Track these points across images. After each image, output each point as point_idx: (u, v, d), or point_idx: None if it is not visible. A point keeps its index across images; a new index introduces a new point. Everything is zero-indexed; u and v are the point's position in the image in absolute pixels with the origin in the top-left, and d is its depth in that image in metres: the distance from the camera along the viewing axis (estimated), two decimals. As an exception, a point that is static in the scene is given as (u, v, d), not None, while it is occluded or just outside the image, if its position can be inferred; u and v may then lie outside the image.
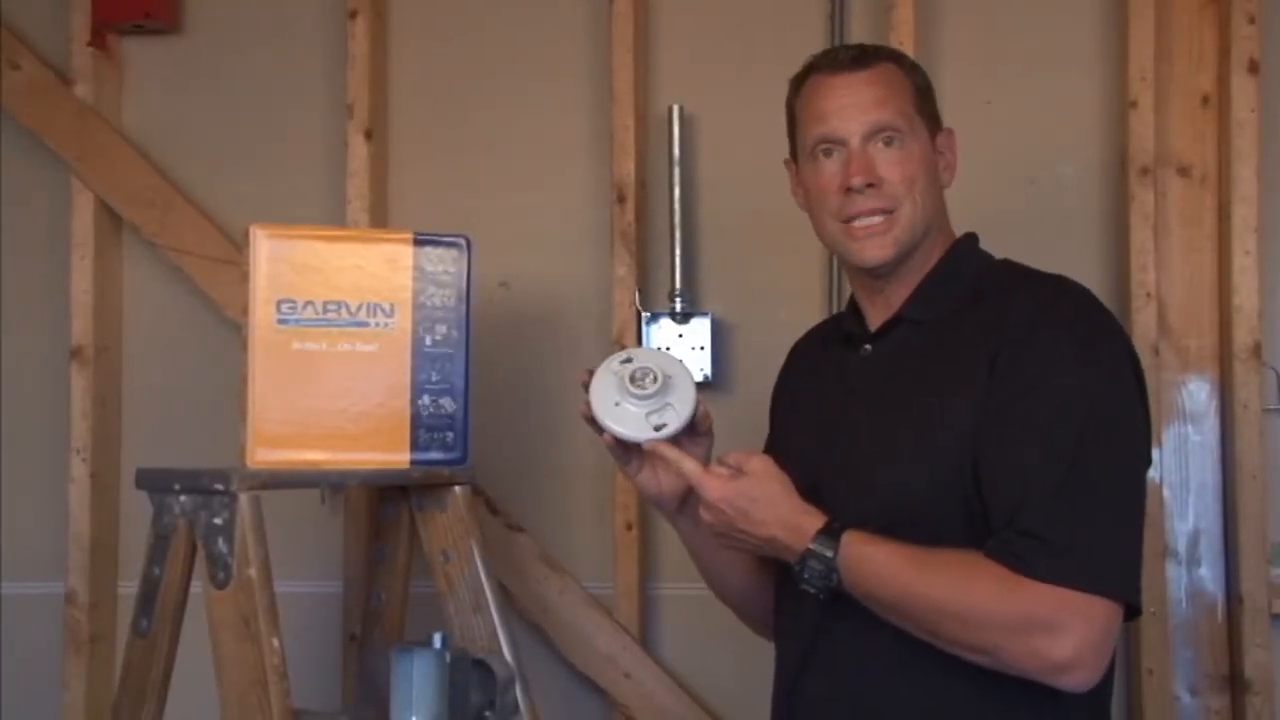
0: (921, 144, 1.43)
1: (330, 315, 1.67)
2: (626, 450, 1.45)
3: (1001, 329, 1.36)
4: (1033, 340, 1.34)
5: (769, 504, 1.35)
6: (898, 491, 1.38)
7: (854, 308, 1.53)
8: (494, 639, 1.72)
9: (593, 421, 1.44)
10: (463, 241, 1.73)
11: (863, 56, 1.44)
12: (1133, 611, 1.31)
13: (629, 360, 1.43)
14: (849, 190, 1.42)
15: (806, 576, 1.34)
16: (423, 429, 1.70)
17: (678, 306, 2.19)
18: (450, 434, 1.71)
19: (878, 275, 1.47)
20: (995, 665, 1.29)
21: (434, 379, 1.71)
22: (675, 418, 1.41)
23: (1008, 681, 1.29)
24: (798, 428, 1.57)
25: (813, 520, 1.35)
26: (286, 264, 1.66)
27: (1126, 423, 1.34)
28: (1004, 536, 1.29)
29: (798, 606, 1.42)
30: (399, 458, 1.70)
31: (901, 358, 1.45)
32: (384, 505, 1.85)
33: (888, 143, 1.41)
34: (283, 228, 1.68)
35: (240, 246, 1.71)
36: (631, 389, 1.41)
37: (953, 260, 1.48)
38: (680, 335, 2.18)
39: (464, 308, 1.73)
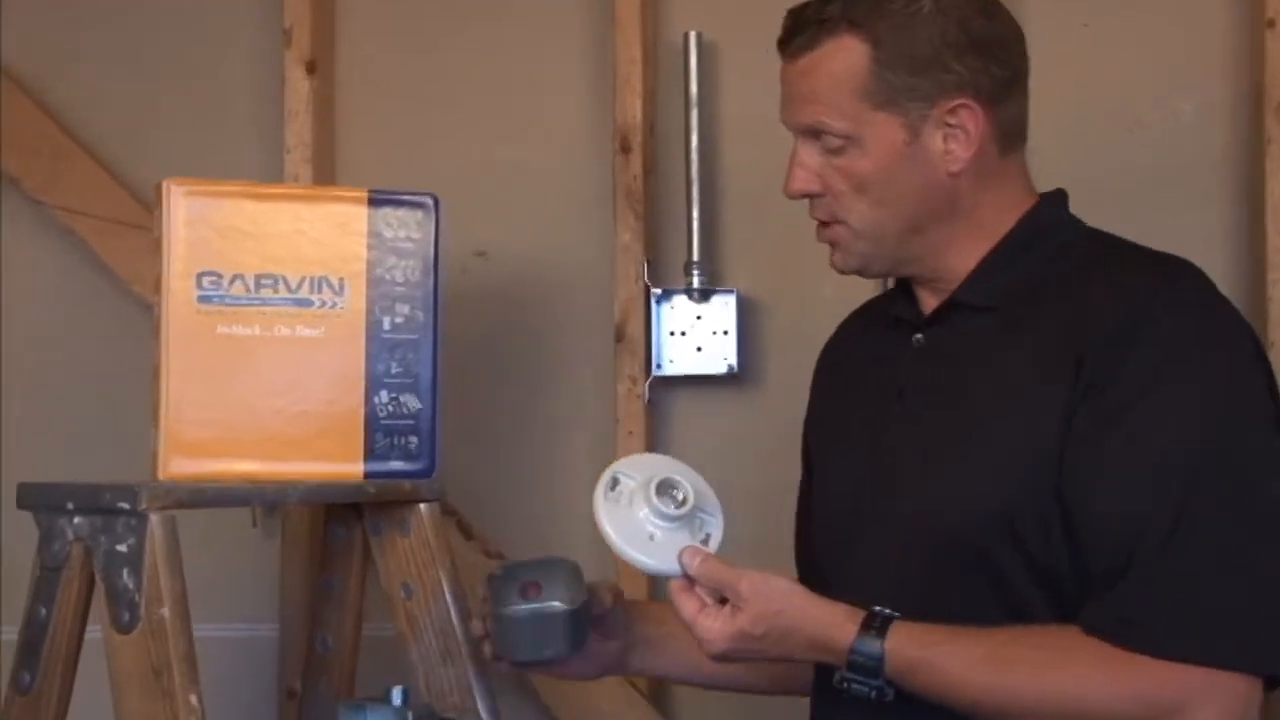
0: (884, 140, 1.44)
1: (264, 292, 1.68)
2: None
3: (1089, 327, 1.37)
4: (1129, 346, 1.35)
5: (783, 632, 1.39)
6: (949, 525, 1.40)
7: (906, 285, 1.56)
8: (467, 694, 1.72)
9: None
10: (429, 201, 1.74)
11: (804, 33, 1.46)
12: (1276, 681, 1.33)
13: (620, 479, 1.48)
14: None
15: (853, 694, 1.38)
16: (380, 433, 1.71)
17: (695, 281, 2.20)
18: (414, 439, 1.72)
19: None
20: None
21: (394, 371, 1.72)
22: (716, 524, 1.49)
23: None
24: (836, 432, 1.60)
25: (843, 630, 1.37)
26: (209, 228, 1.66)
27: (1256, 448, 1.34)
28: (1106, 603, 1.31)
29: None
30: (350, 468, 1.71)
31: (959, 352, 1.47)
32: (331, 527, 1.86)
33: (827, 147, 1.46)
34: (204, 183, 1.68)
35: (150, 206, 1.70)
36: (665, 509, 1.45)
37: (1025, 230, 1.48)
38: (699, 317, 2.20)
39: (431, 283, 1.73)
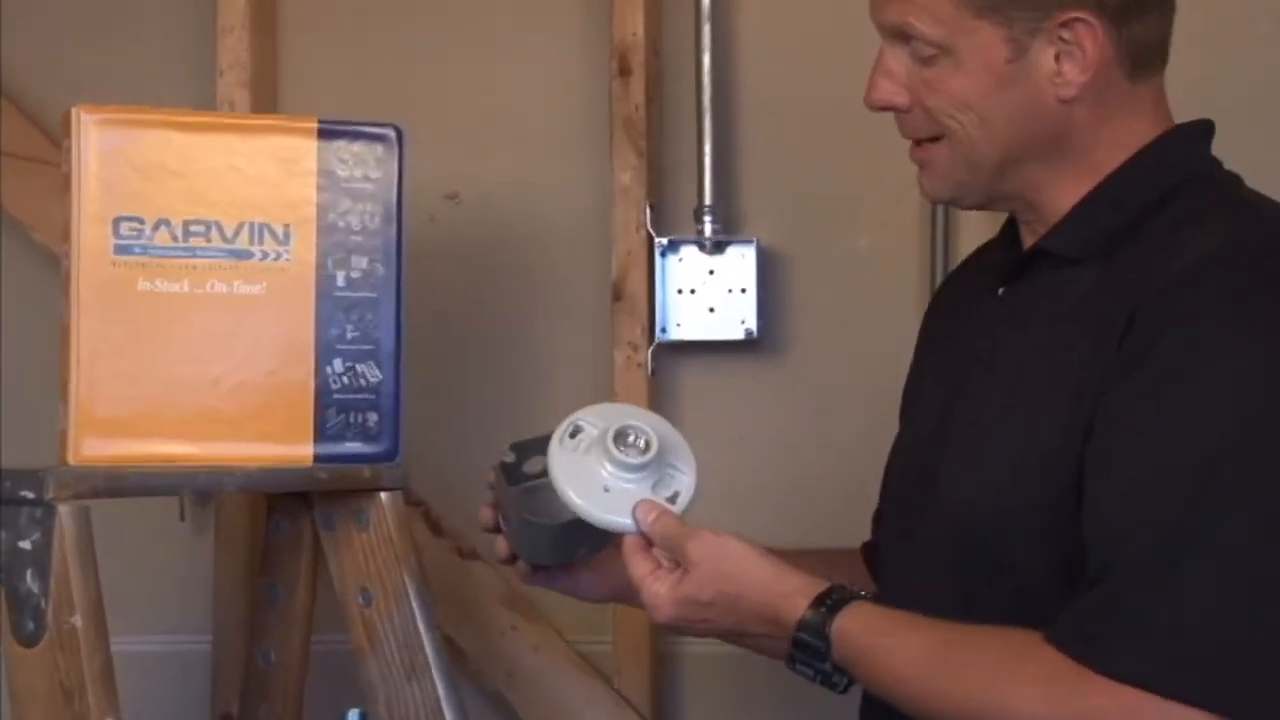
0: (983, 54, 1.45)
1: (194, 242, 1.68)
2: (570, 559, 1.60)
3: (1141, 295, 1.37)
4: (1167, 320, 1.35)
5: (732, 600, 1.44)
6: (968, 512, 1.44)
7: (1014, 225, 1.58)
8: (435, 716, 1.73)
9: (511, 534, 1.58)
10: (390, 133, 1.75)
11: None
12: None
13: (583, 426, 1.53)
14: None
15: (800, 671, 1.43)
16: (333, 409, 1.72)
17: (708, 230, 2.21)
18: (373, 416, 1.73)
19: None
20: None
21: (350, 336, 1.72)
22: (686, 482, 1.52)
23: None
24: (911, 403, 1.64)
25: (791, 603, 1.42)
26: (128, 164, 1.66)
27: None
28: (1073, 611, 1.31)
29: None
30: (297, 451, 1.72)
31: (1030, 312, 1.49)
32: (275, 521, 1.86)
33: (917, 55, 1.47)
34: (122, 110, 1.67)
35: (57, 140, 1.71)
36: (623, 458, 1.50)
37: (1134, 169, 1.48)
38: (711, 272, 2.21)
39: (394, 231, 1.74)
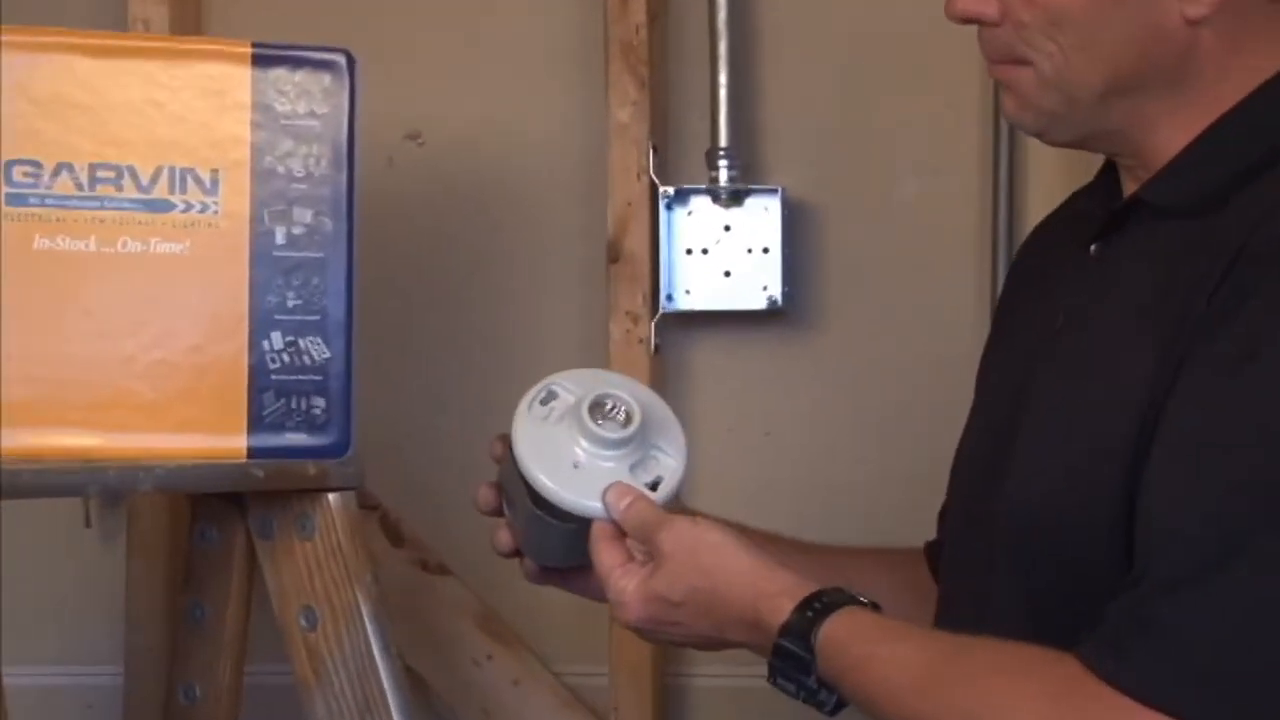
0: None
1: (103, 190, 1.68)
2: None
3: (1250, 242, 1.38)
4: (1248, 294, 1.35)
5: (707, 600, 1.48)
6: (1037, 504, 1.45)
7: (1114, 169, 1.58)
8: (394, 761, 1.73)
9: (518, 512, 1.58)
10: (341, 60, 1.75)
11: None
12: None
13: (557, 392, 1.56)
14: None
15: (782, 687, 1.45)
16: (271, 392, 1.72)
17: (723, 177, 2.22)
18: (320, 401, 1.73)
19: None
20: None
21: (291, 304, 1.73)
22: (672, 467, 1.55)
23: None
24: (986, 374, 1.67)
25: (774, 605, 1.44)
26: (23, 97, 1.66)
27: None
28: (1108, 614, 1.33)
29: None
30: (228, 443, 1.72)
31: (1121, 274, 1.49)
32: (200, 527, 1.86)
33: None
34: (15, 31, 1.67)
35: (-63, 64, 1.67)
36: (598, 431, 1.52)
37: (1256, 107, 1.47)
38: (727, 228, 2.22)
39: (344, 179, 1.74)
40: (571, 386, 1.55)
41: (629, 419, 1.53)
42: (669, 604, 1.48)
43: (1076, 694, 1.31)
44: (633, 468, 1.53)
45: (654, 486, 1.53)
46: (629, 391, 1.55)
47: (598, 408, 1.52)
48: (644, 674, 2.25)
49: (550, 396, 1.55)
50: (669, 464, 1.55)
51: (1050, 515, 1.44)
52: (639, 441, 1.53)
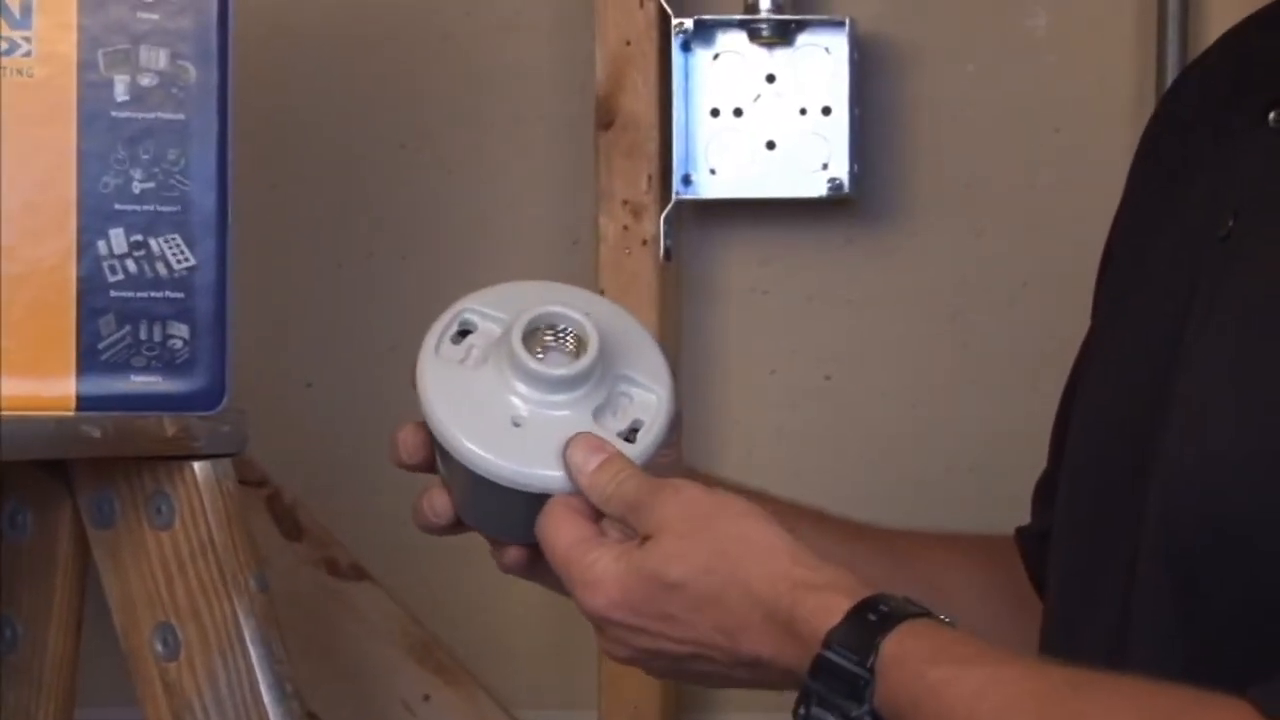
0: None
1: None
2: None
3: None
4: None
5: (719, 585, 1.33)
6: (1191, 504, 1.34)
7: None
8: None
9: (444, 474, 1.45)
10: None
11: None
12: None
13: (474, 322, 1.43)
14: None
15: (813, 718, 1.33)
16: (110, 316, 1.56)
17: (765, 3, 2.01)
18: (181, 330, 1.58)
19: None
20: None
21: (139, 189, 1.57)
22: (653, 403, 1.41)
23: None
24: (1131, 288, 1.52)
25: (819, 600, 1.30)
26: None
27: None
28: None
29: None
30: (48, 388, 1.56)
31: None
32: (9, 512, 1.70)
33: None
34: None
35: None
36: (539, 368, 1.38)
37: None
38: (770, 79, 2.01)
39: (214, 6, 1.58)
40: (492, 312, 1.41)
41: (581, 345, 1.38)
42: (661, 585, 1.31)
43: None
44: (597, 413, 1.38)
45: (630, 436, 1.37)
46: (576, 306, 1.40)
47: (534, 335, 1.37)
48: (649, 715, 2.10)
49: (466, 329, 1.41)
50: (648, 400, 1.39)
51: (1236, 515, 1.30)
52: (600, 375, 1.38)
